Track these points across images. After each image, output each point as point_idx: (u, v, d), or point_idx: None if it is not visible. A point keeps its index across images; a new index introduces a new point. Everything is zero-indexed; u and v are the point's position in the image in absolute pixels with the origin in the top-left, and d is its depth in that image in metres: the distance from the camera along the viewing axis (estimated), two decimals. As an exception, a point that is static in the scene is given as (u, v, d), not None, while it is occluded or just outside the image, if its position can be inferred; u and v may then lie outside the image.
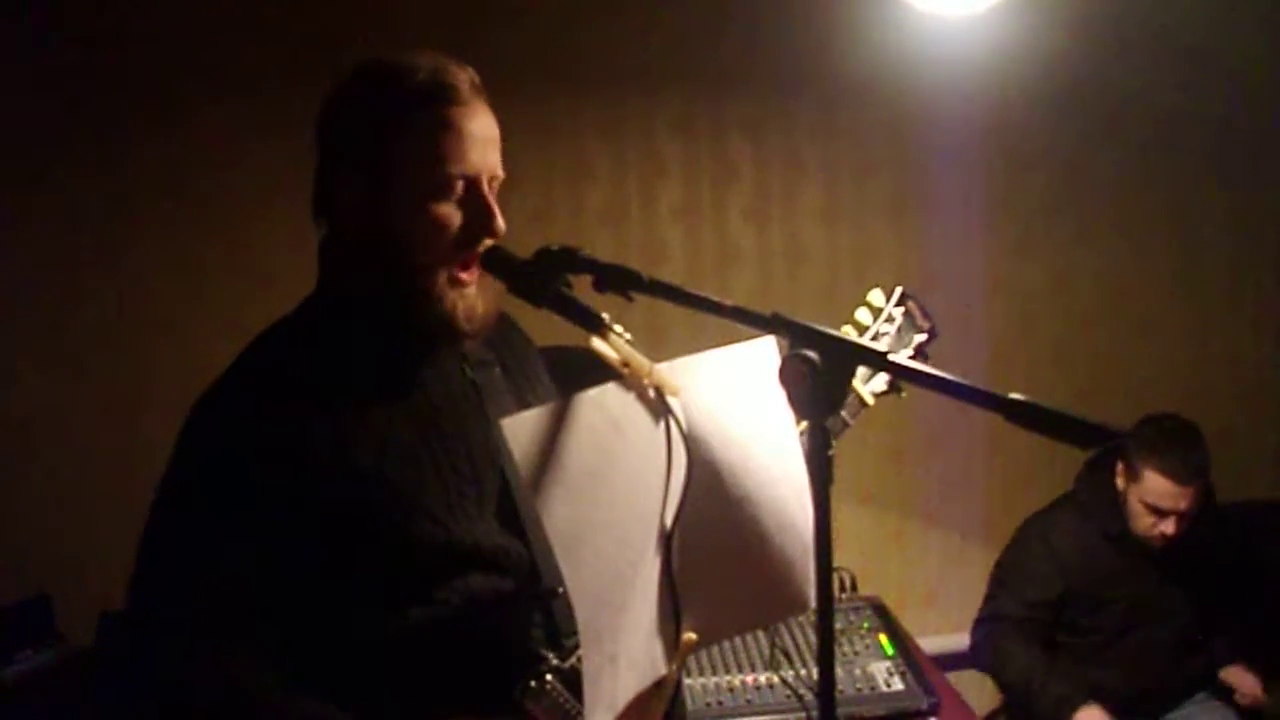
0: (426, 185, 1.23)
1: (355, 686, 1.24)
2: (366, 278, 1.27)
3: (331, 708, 1.21)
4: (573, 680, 1.26)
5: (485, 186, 1.26)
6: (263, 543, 1.20)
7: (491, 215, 1.25)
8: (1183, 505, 2.49)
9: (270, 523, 1.20)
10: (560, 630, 1.30)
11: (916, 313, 1.57)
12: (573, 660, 1.28)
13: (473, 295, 1.28)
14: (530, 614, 1.31)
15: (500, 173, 1.28)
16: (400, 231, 1.24)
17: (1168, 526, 2.51)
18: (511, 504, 1.33)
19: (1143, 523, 2.54)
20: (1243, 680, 2.64)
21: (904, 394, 1.53)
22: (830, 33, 2.95)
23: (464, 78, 1.25)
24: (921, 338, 1.56)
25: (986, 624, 2.71)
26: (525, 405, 1.37)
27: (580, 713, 1.24)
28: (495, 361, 1.41)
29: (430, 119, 1.23)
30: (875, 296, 1.56)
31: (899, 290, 1.57)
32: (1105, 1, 3.02)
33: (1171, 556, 2.61)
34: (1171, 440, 2.52)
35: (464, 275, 1.26)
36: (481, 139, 1.25)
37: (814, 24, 2.95)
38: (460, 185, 1.24)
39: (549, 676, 1.28)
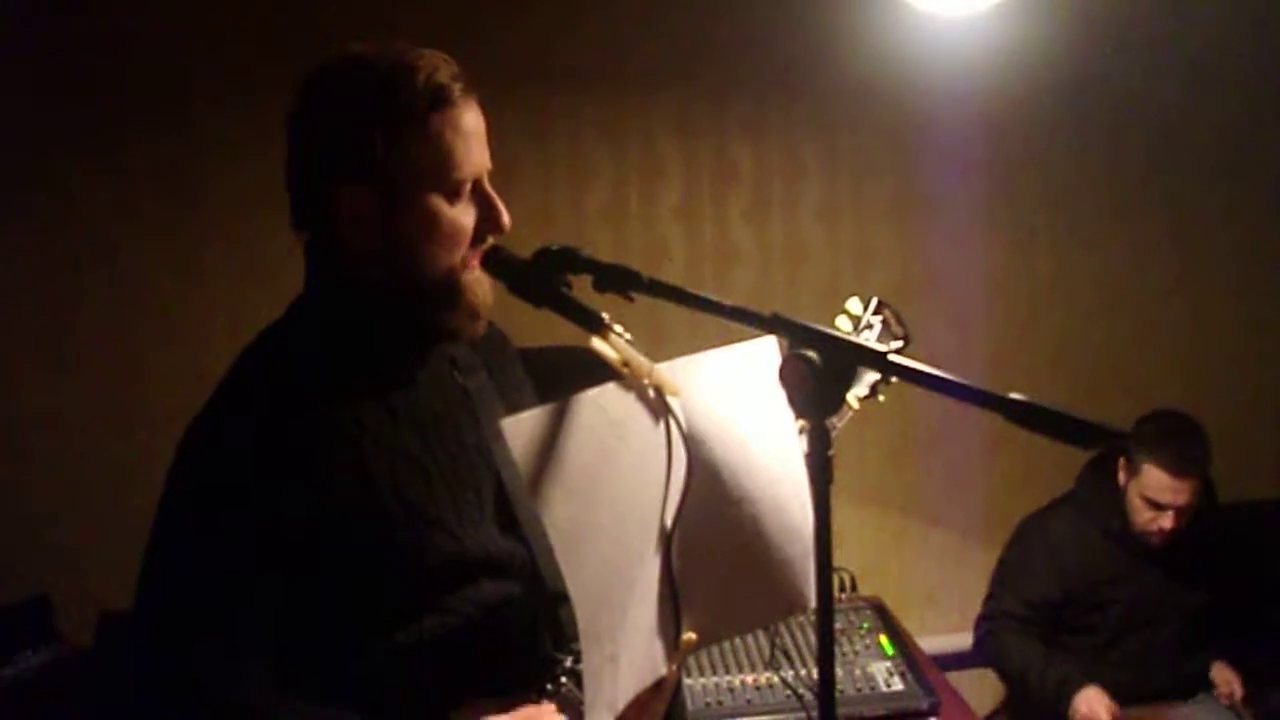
0: (439, 192, 1.21)
1: (366, 698, 1.22)
2: (373, 286, 1.24)
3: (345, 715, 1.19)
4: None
5: (487, 183, 1.25)
6: (273, 563, 1.17)
7: (499, 212, 1.25)
8: (1181, 499, 2.50)
9: (281, 543, 1.17)
10: (567, 634, 1.30)
11: (892, 320, 1.60)
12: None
13: (483, 284, 1.27)
14: (538, 618, 1.31)
15: (490, 164, 1.26)
16: (416, 240, 1.22)
17: (1166, 521, 2.52)
18: (508, 508, 1.33)
19: (1142, 517, 2.56)
20: (1224, 677, 2.64)
21: (882, 398, 1.57)
22: (830, 33, 2.95)
23: (453, 72, 1.22)
24: (897, 345, 1.59)
25: (988, 621, 2.72)
26: (513, 408, 1.35)
27: None
28: (481, 365, 1.40)
29: (438, 126, 1.19)
30: (853, 305, 1.60)
31: (874, 299, 1.60)
32: (1105, 2, 3.02)
33: (1171, 557, 2.62)
34: (1170, 434, 2.54)
35: (471, 265, 1.25)
36: (478, 135, 1.23)
37: (814, 24, 2.95)
38: (468, 187, 1.23)
39: (564, 679, 1.29)
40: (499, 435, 1.30)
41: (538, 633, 1.31)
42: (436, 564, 1.24)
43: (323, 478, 1.19)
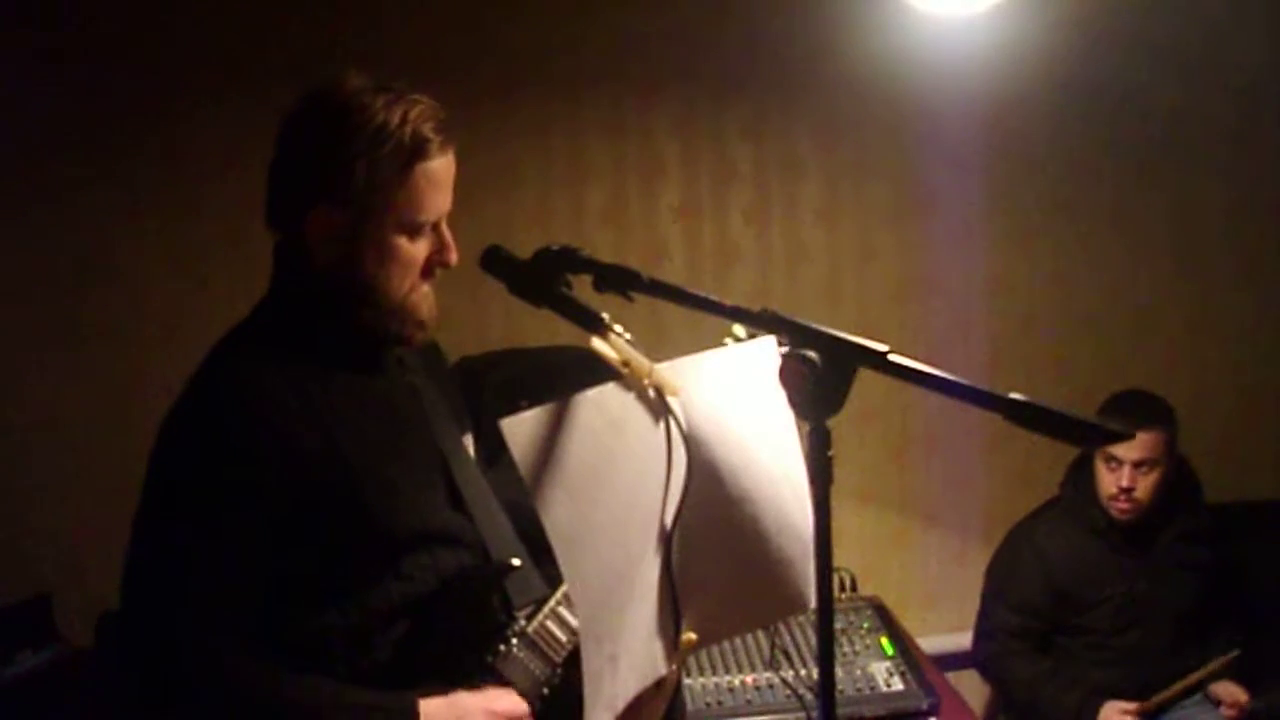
0: (403, 230, 1.36)
1: (337, 663, 1.35)
2: (332, 293, 1.38)
3: (321, 679, 1.33)
4: (533, 644, 1.45)
5: (444, 223, 1.40)
6: (260, 535, 1.31)
7: (450, 250, 1.40)
8: (1135, 453, 2.53)
9: (266, 516, 1.30)
10: (513, 602, 1.47)
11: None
12: (534, 625, 1.46)
13: (429, 299, 1.42)
14: (489, 586, 1.46)
15: (449, 207, 1.40)
16: (374, 265, 1.36)
17: (1124, 478, 2.54)
18: (455, 490, 1.50)
19: (1104, 482, 2.59)
20: (1227, 692, 2.63)
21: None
22: (830, 33, 2.95)
23: (437, 124, 1.34)
24: None
25: (985, 640, 2.73)
26: (451, 406, 1.57)
27: (543, 674, 1.45)
28: (423, 367, 1.56)
29: (415, 176, 1.34)
30: (739, 330, 1.57)
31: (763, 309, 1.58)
32: (1105, 1, 3.02)
33: (1161, 555, 2.62)
34: (1124, 394, 2.65)
35: (419, 286, 1.40)
36: (447, 183, 1.38)
37: (814, 24, 2.94)
38: (429, 228, 1.39)
39: (515, 640, 1.45)
40: (443, 427, 1.53)
41: (489, 599, 1.45)
42: (403, 535, 1.40)
43: (302, 457, 1.32)
